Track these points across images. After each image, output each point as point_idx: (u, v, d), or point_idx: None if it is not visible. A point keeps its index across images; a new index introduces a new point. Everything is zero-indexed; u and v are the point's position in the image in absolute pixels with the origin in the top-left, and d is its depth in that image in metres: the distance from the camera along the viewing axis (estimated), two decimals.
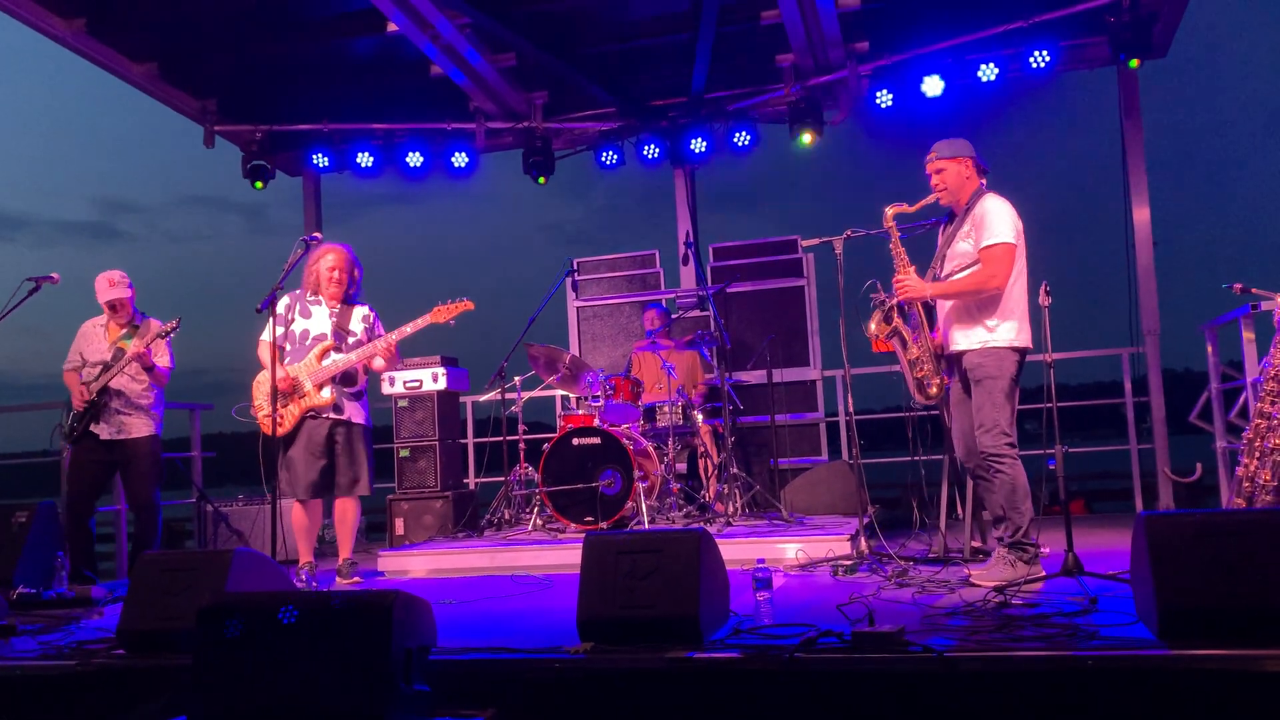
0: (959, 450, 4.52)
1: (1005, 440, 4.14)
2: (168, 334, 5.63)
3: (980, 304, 4.23)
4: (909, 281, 4.36)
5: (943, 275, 4.39)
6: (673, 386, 6.80)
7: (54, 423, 5.72)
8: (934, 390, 4.43)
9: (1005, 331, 4.20)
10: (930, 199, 4.41)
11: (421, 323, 5.35)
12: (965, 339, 4.29)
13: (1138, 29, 6.91)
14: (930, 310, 4.56)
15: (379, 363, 5.39)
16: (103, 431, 5.59)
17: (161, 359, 5.71)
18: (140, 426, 5.65)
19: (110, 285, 5.63)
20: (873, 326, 4.51)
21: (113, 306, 5.65)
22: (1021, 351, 4.23)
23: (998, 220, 4.20)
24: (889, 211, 4.43)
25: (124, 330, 5.68)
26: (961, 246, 4.31)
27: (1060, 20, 7.08)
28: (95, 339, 5.70)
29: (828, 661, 2.89)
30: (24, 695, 3.51)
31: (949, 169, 4.35)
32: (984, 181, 4.40)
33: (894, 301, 4.43)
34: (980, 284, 4.20)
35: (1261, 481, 4.25)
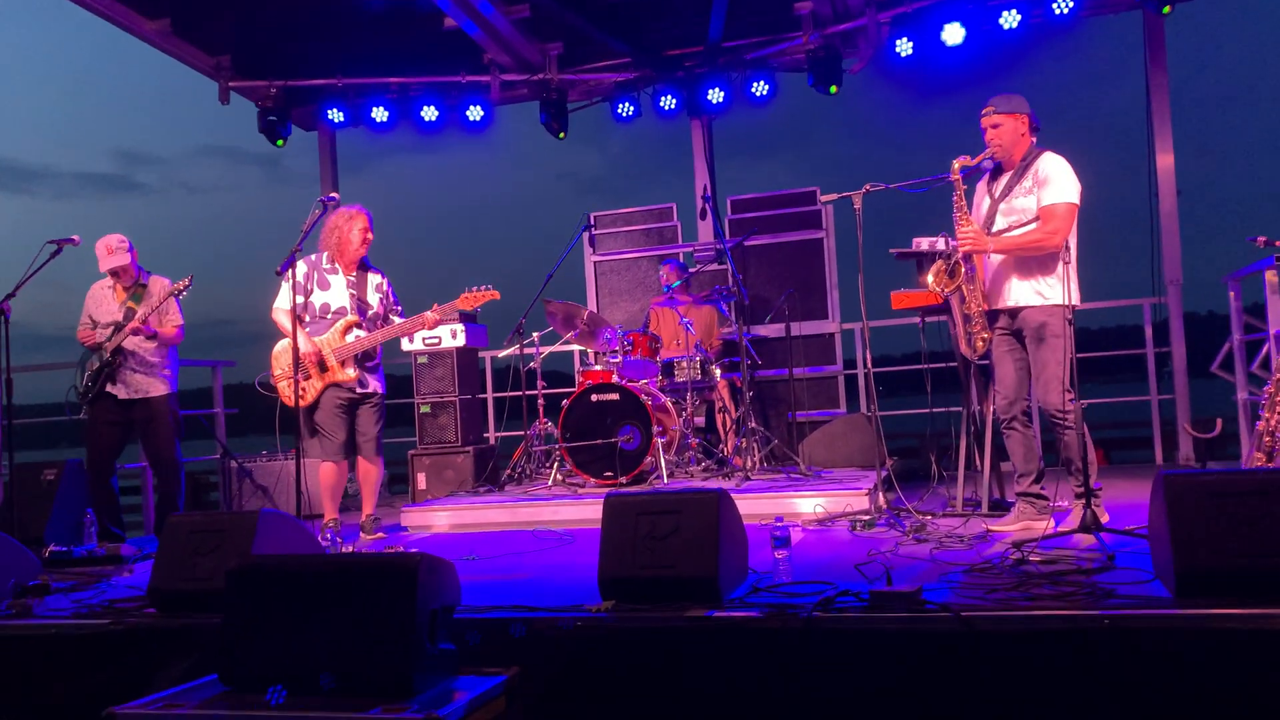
0: (1000, 401, 4.53)
1: (1070, 397, 4.19)
2: (178, 293, 5.63)
3: (1041, 261, 4.25)
4: (972, 234, 4.35)
5: (997, 230, 4.40)
6: (690, 342, 6.80)
7: (71, 383, 5.75)
8: (980, 345, 4.45)
9: (1064, 289, 4.20)
10: (988, 153, 4.41)
11: (450, 309, 5.41)
12: (1026, 295, 4.32)
13: None
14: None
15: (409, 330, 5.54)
16: (119, 392, 5.61)
17: (171, 319, 5.71)
18: (156, 385, 5.67)
19: (109, 253, 5.62)
20: (931, 279, 4.49)
21: (115, 273, 5.67)
22: (1075, 309, 4.27)
23: (1063, 179, 4.23)
24: (956, 165, 4.39)
25: (131, 290, 5.70)
26: (1021, 202, 4.31)
27: None
28: (104, 300, 5.71)
29: (845, 621, 2.92)
30: (59, 653, 3.60)
31: (1005, 124, 4.35)
32: (1035, 139, 4.38)
33: (958, 255, 4.42)
34: (1041, 241, 4.21)
35: None
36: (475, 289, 5.46)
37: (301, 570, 2.98)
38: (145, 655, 3.50)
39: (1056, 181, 4.22)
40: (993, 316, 4.49)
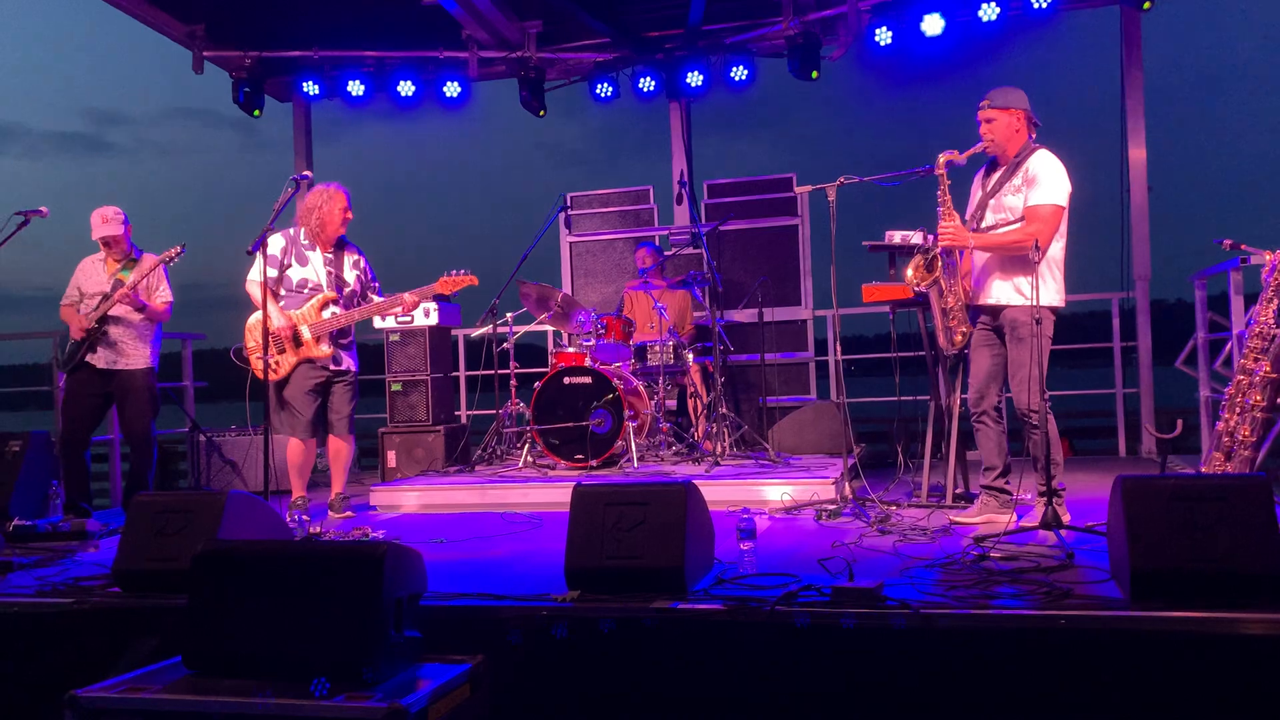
0: (971, 393, 4.56)
1: (1042, 397, 4.21)
2: (169, 261, 5.59)
3: (1025, 261, 4.22)
4: (953, 230, 4.35)
5: (985, 226, 4.40)
6: (664, 326, 6.82)
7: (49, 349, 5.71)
8: (959, 338, 4.47)
9: (1047, 291, 4.23)
10: (978, 147, 4.38)
11: (427, 292, 5.39)
12: (1006, 294, 4.33)
13: None
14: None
15: (393, 312, 5.60)
16: (99, 360, 5.55)
17: (161, 294, 5.68)
18: (137, 358, 5.63)
19: (103, 221, 5.58)
20: (910, 273, 4.50)
21: (106, 243, 5.62)
22: (1058, 310, 4.30)
23: (1051, 181, 4.20)
24: (941, 159, 4.39)
25: (121, 264, 5.66)
26: (1010, 200, 4.31)
27: None
28: (94, 273, 5.68)
29: (807, 616, 2.96)
30: (21, 632, 3.58)
31: (999, 119, 4.32)
32: (1034, 135, 4.37)
33: (937, 249, 4.43)
34: (1021, 242, 4.18)
35: (1241, 437, 4.31)
36: (454, 273, 5.45)
37: (267, 556, 2.99)
38: (109, 636, 3.50)
39: (1044, 183, 4.20)
40: (976, 311, 4.51)
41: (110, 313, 5.52)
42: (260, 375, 5.20)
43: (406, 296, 5.38)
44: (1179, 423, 4.34)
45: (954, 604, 2.99)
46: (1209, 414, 6.24)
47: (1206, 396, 6.31)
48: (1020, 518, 4.28)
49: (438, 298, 6.63)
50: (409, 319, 7.34)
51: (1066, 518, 4.09)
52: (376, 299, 5.49)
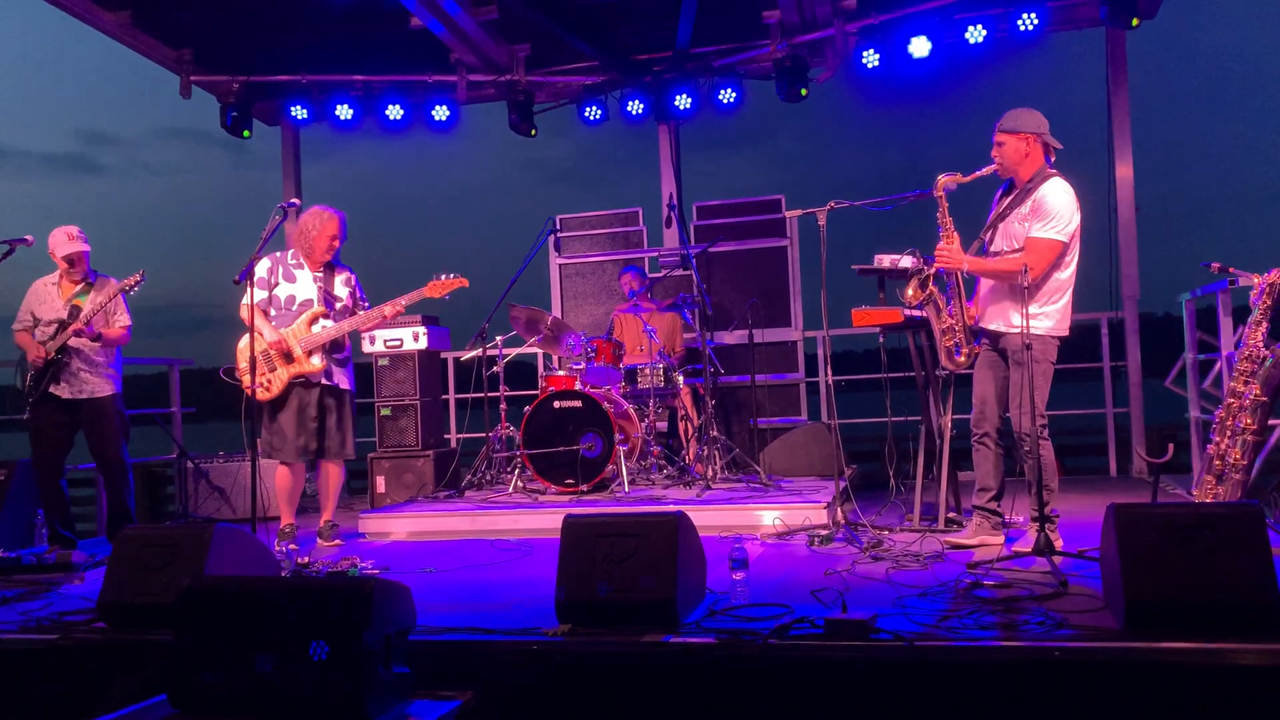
0: (974, 413, 4.57)
1: (1041, 423, 4.23)
2: (128, 290, 5.44)
3: (1030, 287, 4.21)
4: (948, 252, 4.38)
5: (993, 250, 4.43)
6: (654, 349, 6.81)
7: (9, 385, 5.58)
8: (962, 359, 4.49)
9: (1049, 319, 4.25)
10: (987, 170, 4.39)
11: (416, 296, 5.40)
12: (1007, 319, 4.34)
13: None
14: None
15: (372, 322, 5.46)
16: (63, 391, 5.39)
17: (120, 318, 5.51)
18: (101, 385, 5.47)
19: (69, 239, 5.43)
20: (909, 292, 4.53)
21: (70, 261, 5.44)
22: (1062, 339, 4.30)
23: (1056, 213, 4.20)
24: (940, 180, 4.39)
25: (78, 288, 5.49)
26: (1016, 228, 4.32)
27: None
28: (49, 297, 5.48)
29: (800, 649, 2.94)
30: (5, 667, 3.54)
31: (1008, 143, 4.33)
32: (1051, 158, 4.36)
33: (931, 270, 4.45)
34: (1015, 270, 4.17)
35: (1231, 460, 4.31)
36: (442, 276, 5.43)
37: (255, 593, 2.95)
38: (94, 672, 3.46)
39: (1047, 215, 4.20)
40: (982, 334, 4.53)
41: (69, 344, 5.36)
42: (249, 393, 5.18)
43: (400, 300, 5.36)
44: (1170, 447, 4.32)
45: (947, 635, 2.97)
46: (1199, 434, 6.25)
47: (1196, 417, 6.32)
48: (1013, 542, 4.27)
49: (427, 302, 6.55)
50: (398, 342, 7.31)
51: (1059, 544, 4.08)
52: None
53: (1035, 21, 7.08)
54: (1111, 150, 7.67)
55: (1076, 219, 4.25)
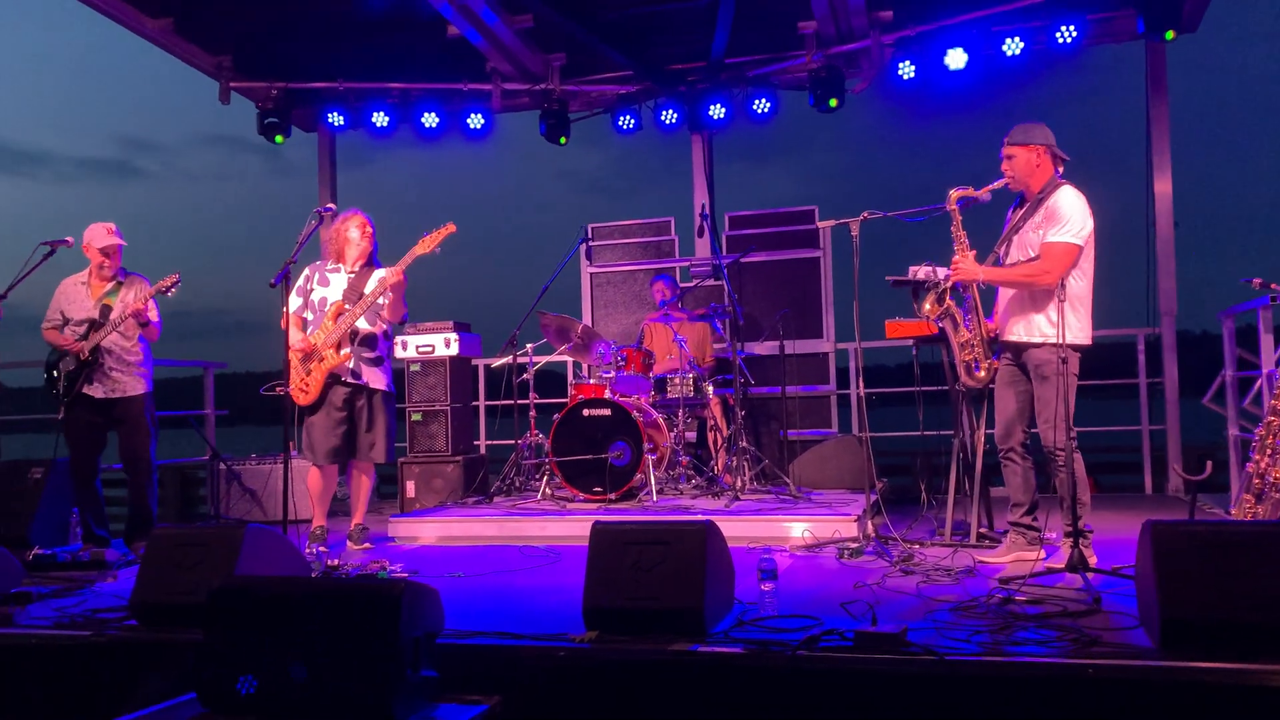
0: (998, 429, 4.55)
1: (1069, 435, 4.19)
2: (165, 290, 5.45)
3: (1046, 298, 4.24)
4: (964, 265, 4.40)
5: (1010, 262, 4.42)
6: (684, 358, 6.80)
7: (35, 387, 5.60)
8: (982, 374, 4.47)
9: (1072, 329, 4.21)
10: (999, 183, 4.41)
11: (410, 257, 5.34)
12: (1028, 332, 4.33)
13: (1168, 3, 6.78)
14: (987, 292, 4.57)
15: (388, 297, 5.39)
16: (96, 391, 5.44)
17: (151, 314, 5.53)
18: (133, 385, 5.52)
19: (108, 233, 5.49)
20: (926, 307, 4.55)
21: (107, 253, 5.48)
22: (1084, 349, 4.27)
23: (1069, 218, 4.20)
24: (953, 194, 4.42)
25: (108, 286, 5.53)
26: (1032, 237, 4.32)
27: None
28: (78, 296, 5.52)
29: (829, 661, 2.91)
30: (39, 663, 3.58)
31: (1019, 156, 4.35)
32: (1060, 169, 4.37)
33: (948, 284, 4.44)
34: (1033, 277, 4.22)
35: (1272, 479, 4.23)
36: (432, 230, 5.40)
37: (284, 593, 2.96)
38: (125, 669, 3.49)
39: (1061, 220, 4.20)
40: (1002, 348, 4.50)
41: (103, 344, 5.40)
42: (295, 399, 5.25)
43: (397, 267, 5.31)
44: (1208, 464, 4.26)
45: (979, 650, 2.93)
46: (1238, 452, 6.15)
47: (1235, 435, 6.21)
48: (1048, 557, 4.21)
49: (460, 308, 6.55)
50: (430, 348, 7.36)
51: (1093, 559, 4.03)
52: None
53: (1074, 34, 7.03)
54: (1150, 164, 7.59)
55: (1090, 224, 4.24)
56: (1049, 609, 3.45)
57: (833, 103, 7.68)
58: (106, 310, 5.47)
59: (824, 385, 8.07)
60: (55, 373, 5.49)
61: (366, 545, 5.54)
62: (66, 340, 5.44)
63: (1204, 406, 6.69)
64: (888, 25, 7.51)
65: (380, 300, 5.37)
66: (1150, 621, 3.01)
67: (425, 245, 5.37)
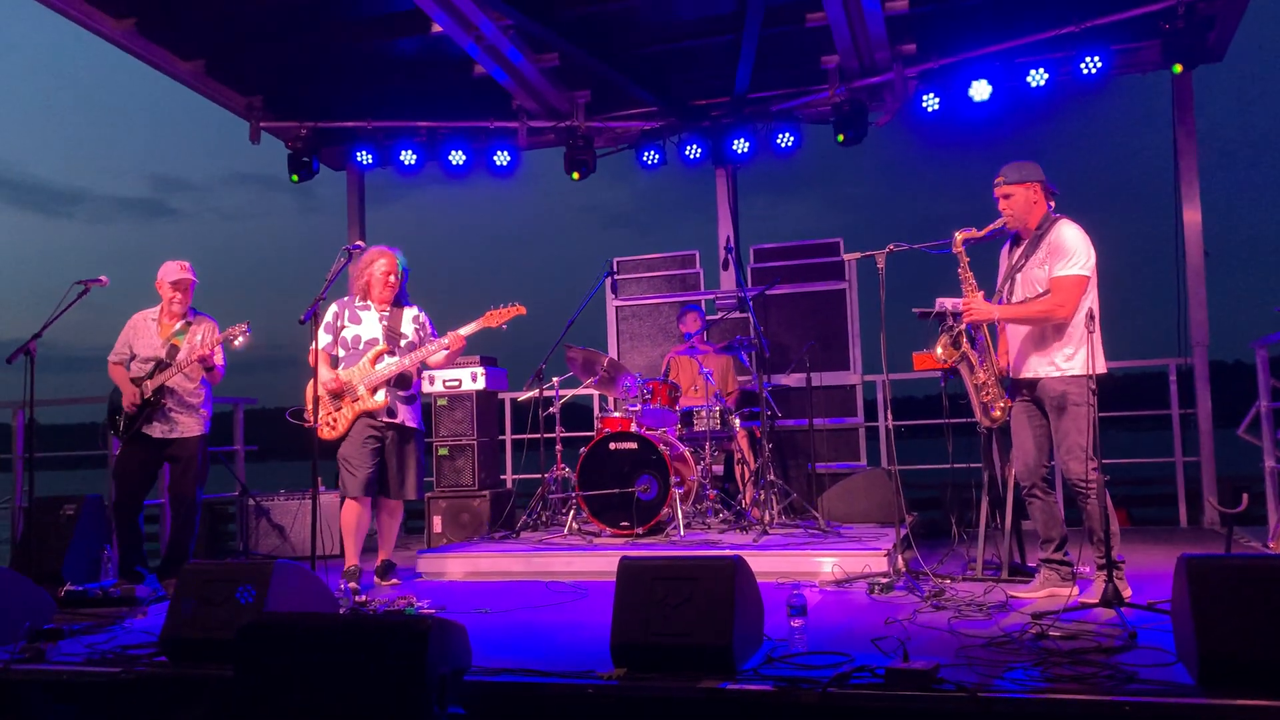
0: (1018, 467, 4.54)
1: (1093, 466, 4.18)
2: (233, 340, 5.50)
3: (1057, 333, 4.27)
4: (976, 306, 4.42)
5: (1017, 300, 4.43)
6: (709, 391, 6.79)
7: (104, 411, 5.66)
8: (998, 413, 4.47)
9: (1079, 359, 4.22)
10: (999, 223, 4.45)
11: (475, 327, 5.45)
12: (1044, 367, 4.34)
13: (1194, 34, 6.76)
14: (992, 330, 4.58)
15: (437, 358, 5.46)
16: (155, 430, 5.53)
17: (216, 359, 5.62)
18: (192, 426, 5.60)
19: (181, 269, 5.59)
20: (939, 351, 4.56)
21: (178, 288, 5.58)
22: (1100, 377, 4.25)
23: (1073, 252, 4.24)
24: (958, 237, 4.48)
25: (177, 325, 5.61)
26: (1037, 273, 4.35)
27: (1113, 25, 6.93)
28: (147, 333, 5.60)
29: (860, 699, 2.87)
30: (70, 700, 3.59)
31: (1016, 194, 4.39)
32: (1053, 204, 4.41)
33: (961, 326, 4.46)
34: (1048, 312, 4.25)
35: None
36: (501, 306, 5.48)
37: (312, 630, 2.98)
38: (155, 706, 3.49)
39: (1067, 254, 4.25)
40: (1016, 385, 4.48)
41: (167, 384, 5.48)
42: (323, 436, 5.25)
43: (460, 332, 5.39)
44: (1244, 497, 4.19)
45: (1012, 687, 2.89)
46: (1275, 484, 6.05)
47: (1272, 467, 6.12)
48: (1081, 591, 4.16)
49: (487, 338, 6.57)
50: (456, 382, 7.39)
51: (1127, 593, 3.97)
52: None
53: (1099, 65, 7.01)
54: (1179, 194, 7.54)
55: (1093, 256, 4.28)
56: (1084, 644, 3.39)
57: (840, 138, 7.69)
58: (174, 350, 5.54)
59: (852, 418, 8.03)
60: (118, 415, 5.57)
61: (394, 581, 5.54)
62: (126, 382, 5.53)
63: (1239, 437, 6.60)
64: (911, 58, 7.54)
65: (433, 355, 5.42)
66: (1189, 657, 2.95)
67: (492, 320, 5.45)
